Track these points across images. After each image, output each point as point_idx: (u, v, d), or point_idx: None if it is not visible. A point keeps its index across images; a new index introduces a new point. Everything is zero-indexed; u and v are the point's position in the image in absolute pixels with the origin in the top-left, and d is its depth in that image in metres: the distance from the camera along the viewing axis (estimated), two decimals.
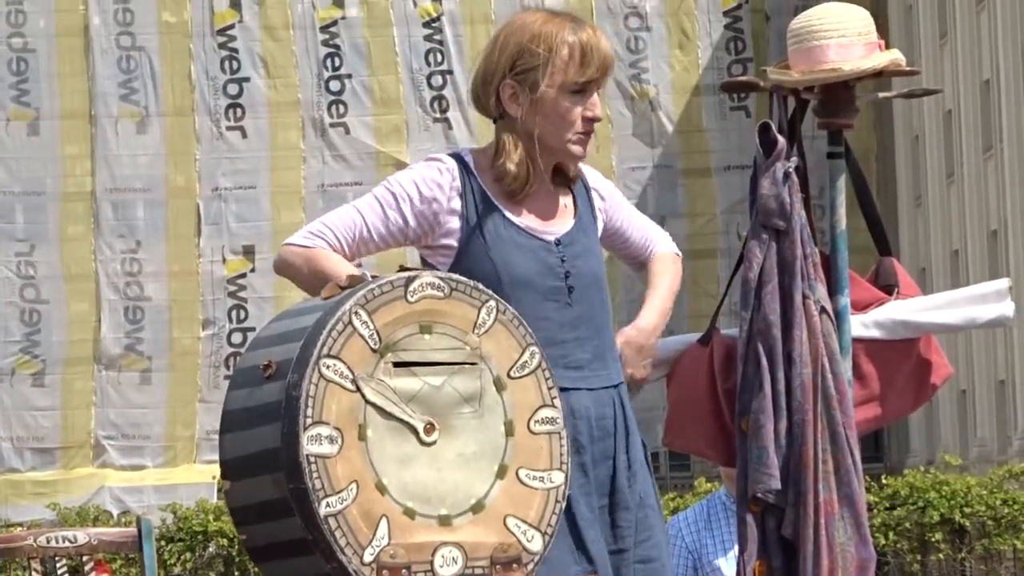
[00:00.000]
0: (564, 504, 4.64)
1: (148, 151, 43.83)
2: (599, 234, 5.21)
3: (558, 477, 4.56)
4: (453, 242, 5.01)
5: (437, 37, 44.19)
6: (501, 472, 4.54)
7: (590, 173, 5.26)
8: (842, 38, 5.64)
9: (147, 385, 42.91)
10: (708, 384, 5.58)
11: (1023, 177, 43.60)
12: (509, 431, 4.56)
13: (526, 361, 4.55)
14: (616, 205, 5.28)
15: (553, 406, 4.58)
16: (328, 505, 4.32)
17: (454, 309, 4.51)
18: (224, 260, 43.69)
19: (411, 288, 4.44)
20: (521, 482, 4.55)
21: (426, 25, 44.16)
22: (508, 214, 5.02)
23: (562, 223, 5.03)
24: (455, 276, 4.64)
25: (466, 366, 4.54)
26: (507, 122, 4.97)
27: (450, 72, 43.80)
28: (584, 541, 4.84)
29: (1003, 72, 43.80)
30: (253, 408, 4.54)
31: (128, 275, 43.32)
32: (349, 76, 44.13)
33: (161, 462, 41.18)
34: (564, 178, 5.07)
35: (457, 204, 4.98)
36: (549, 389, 4.58)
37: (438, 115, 43.99)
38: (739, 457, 5.45)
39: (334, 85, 44.18)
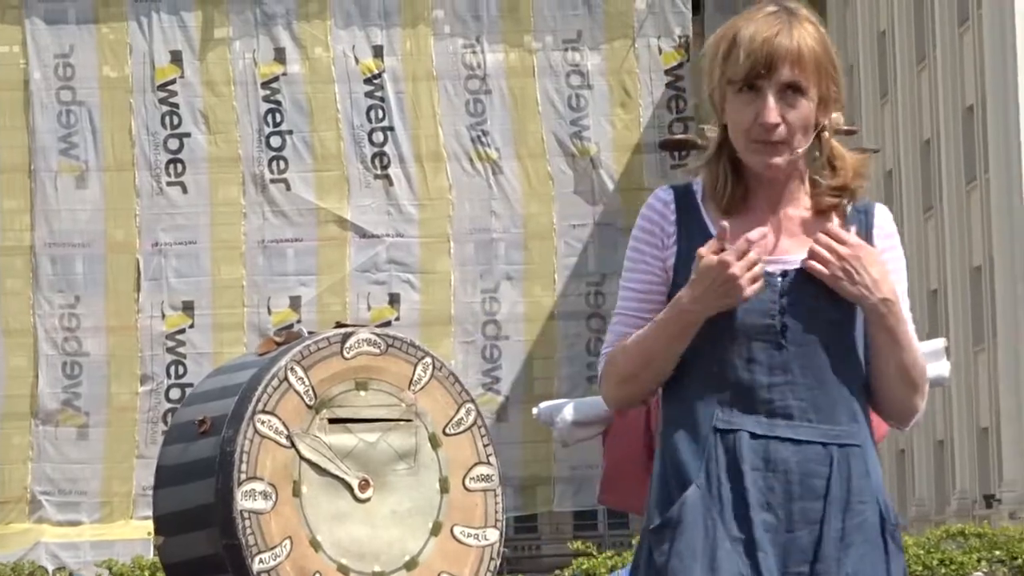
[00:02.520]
0: (499, 561, 5.30)
1: (87, 206, 42.70)
2: None
3: (492, 534, 5.11)
4: (670, 276, 4.62)
5: (378, 94, 43.25)
6: (436, 529, 5.09)
7: (882, 214, 4.69)
8: None
9: (84, 440, 41.71)
10: (644, 443, 5.51)
11: (961, 233, 43.75)
12: (444, 488, 5.18)
13: (462, 418, 5.17)
14: (891, 256, 4.55)
15: (489, 463, 5.10)
16: (261, 561, 4.40)
17: (390, 366, 5.14)
18: (163, 316, 42.40)
19: (347, 344, 5.10)
20: (456, 539, 5.18)
21: (367, 82, 43.25)
22: (714, 232, 4.57)
23: (798, 253, 4.47)
24: (392, 333, 4.36)
25: (401, 423, 5.16)
26: (720, 121, 4.63)
27: (391, 128, 42.82)
28: None
29: (943, 131, 43.77)
30: (187, 464, 5.10)
31: (66, 330, 42.06)
32: (290, 132, 43.14)
33: (97, 518, 40.05)
34: (831, 195, 4.51)
35: (672, 238, 4.57)
36: (485, 446, 5.06)
37: (379, 171, 42.77)
38: (652, 495, 5.15)
39: (275, 141, 43.07)
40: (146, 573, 26.71)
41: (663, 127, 41.64)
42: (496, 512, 5.54)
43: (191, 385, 36.23)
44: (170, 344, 42.05)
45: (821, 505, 4.37)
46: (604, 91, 43.33)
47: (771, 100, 4.32)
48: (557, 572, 29.27)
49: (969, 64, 44.19)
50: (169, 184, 42.57)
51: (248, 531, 5.10)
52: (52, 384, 41.77)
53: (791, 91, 4.34)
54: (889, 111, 48.57)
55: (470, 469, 5.50)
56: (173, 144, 42.69)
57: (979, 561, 28.88)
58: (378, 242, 43.30)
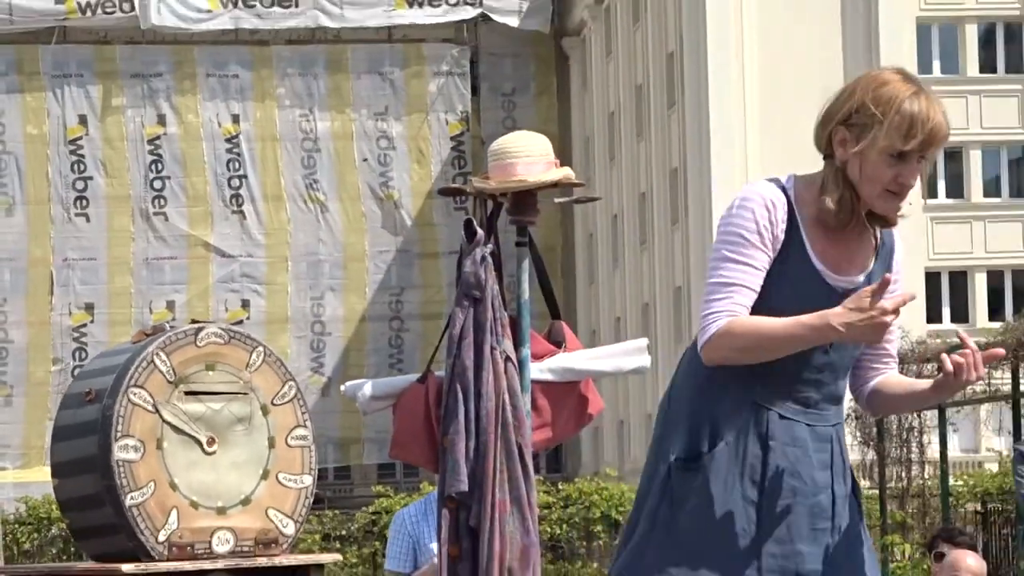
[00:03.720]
0: (312, 499, 4.76)
1: (14, 230, 45.61)
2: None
3: (308, 480, 4.65)
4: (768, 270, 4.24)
5: (236, 150, 46.73)
6: (265, 475, 4.57)
7: (900, 246, 4.58)
8: (528, 157, 5.79)
9: (8, 407, 44.98)
10: (424, 411, 5.42)
11: (668, 262, 45.34)
12: (271, 445, 4.62)
13: (285, 392, 4.62)
14: (897, 281, 4.39)
15: (305, 427, 4.72)
16: (132, 498, 4.36)
17: (232, 352, 4.58)
18: (71, 313, 45.73)
19: (199, 336, 4.53)
20: (280, 483, 4.62)
21: (227, 141, 46.62)
22: (811, 253, 4.29)
23: (858, 275, 4.32)
24: (234, 328, 4.73)
25: (240, 395, 4.61)
26: (832, 162, 4.29)
27: (245, 176, 46.62)
28: (778, 540, 4.24)
29: (656, 186, 46.01)
30: (77, 424, 4.53)
31: None
32: (168, 177, 46.57)
33: (19, 465, 42.74)
34: (881, 221, 4.36)
35: (780, 241, 4.23)
36: (303, 414, 4.69)
37: (235, 208, 46.50)
38: (440, 466, 5.40)
39: (157, 184, 46.54)
40: (54, 506, 24.37)
41: (448, 179, 44.40)
42: (311, 463, 4.92)
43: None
44: (75, 335, 45.42)
45: (829, 474, 4.36)
46: (404, 152, 47.01)
47: (915, 170, 4.22)
48: (364, 508, 29.84)
49: (676, 136, 45.20)
50: (76, 215, 46.10)
51: (122, 475, 4.45)
52: None
53: (922, 160, 4.21)
54: (616, 170, 48.31)
55: (291, 431, 4.83)
56: (80, 185, 46.22)
57: None
58: (233, 261, 46.68)
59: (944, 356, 4.15)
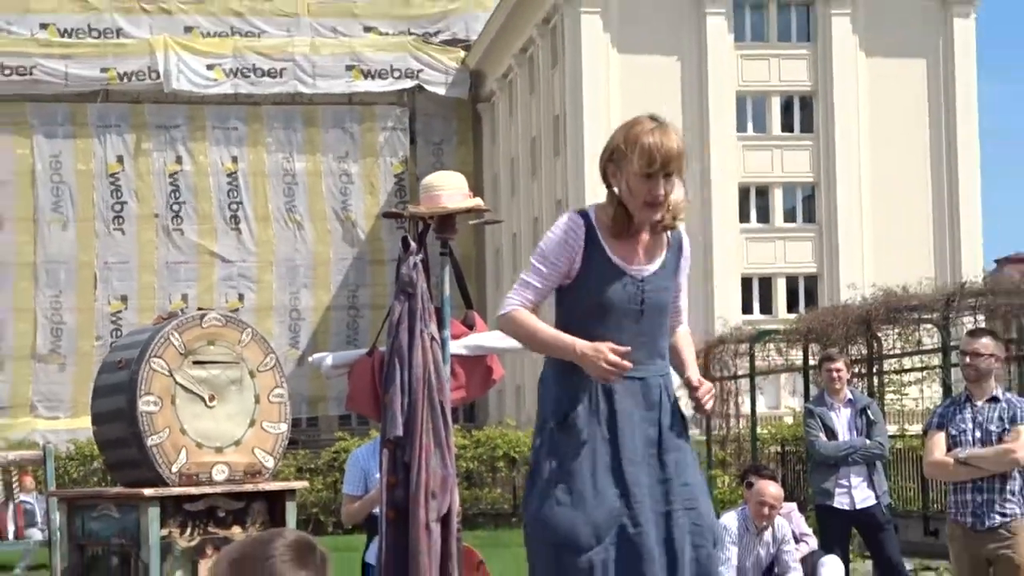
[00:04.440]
0: (287, 442, 4.60)
1: (68, 241, 45.37)
2: (673, 278, 4.50)
3: (283, 427, 4.49)
4: (576, 273, 4.34)
5: (234, 183, 46.51)
6: (251, 424, 4.44)
7: (687, 245, 4.61)
8: (449, 190, 5.67)
9: (62, 372, 44.67)
10: (371, 377, 5.27)
11: None
12: (257, 401, 4.49)
13: (267, 362, 4.44)
14: (684, 274, 4.58)
15: (282, 387, 4.57)
16: (152, 440, 4.22)
17: (228, 332, 4.47)
18: (109, 303, 45.35)
19: (204, 320, 4.45)
20: (263, 429, 4.49)
21: (228, 176, 46.47)
22: (609, 253, 4.38)
23: (650, 265, 4.41)
24: (230, 315, 4.62)
25: (233, 364, 4.44)
26: (610, 185, 4.36)
27: (240, 202, 46.35)
28: (625, 474, 4.27)
29: (545, 214, 44.75)
30: (112, 385, 4.40)
31: (55, 310, 45.13)
32: (184, 202, 46.23)
33: (70, 415, 42.08)
34: (661, 227, 4.42)
35: (581, 252, 4.34)
36: (280, 378, 4.51)
37: (234, 226, 46.31)
38: (382, 416, 5.23)
39: (175, 207, 46.36)
40: (95, 446, 21.39)
41: (391, 205, 43.87)
42: (286, 414, 5.00)
43: None
44: (112, 319, 45.11)
45: (657, 412, 4.42)
46: (360, 185, 46.97)
47: (662, 185, 4.31)
48: (327, 448, 29.24)
49: (559, 176, 43.86)
50: (114, 230, 45.86)
51: (144, 423, 4.50)
52: (44, 340, 45.09)
53: (667, 177, 4.32)
54: (516, 201, 47.26)
55: (272, 390, 4.92)
56: (117, 207, 45.93)
57: None
58: (232, 265, 46.41)
59: (690, 383, 4.50)
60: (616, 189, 4.43)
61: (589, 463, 4.37)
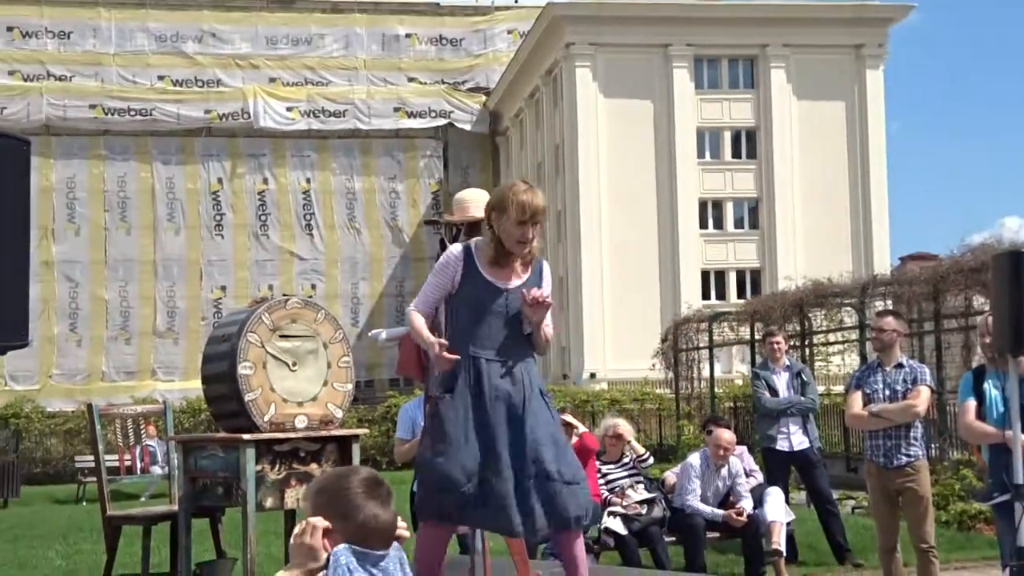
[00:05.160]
0: (352, 396, 4.41)
1: (179, 244, 44.79)
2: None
3: (349, 386, 4.31)
4: (458, 287, 4.42)
5: (308, 199, 46.43)
6: (325, 383, 4.28)
7: (547, 269, 4.64)
8: (476, 203, 5.39)
9: (176, 345, 44.59)
10: (417, 348, 4.91)
11: (553, 270, 43.71)
12: (329, 366, 4.31)
13: (336, 336, 4.28)
14: (547, 289, 4.52)
15: (348, 356, 4.31)
16: (248, 396, 4.08)
17: (307, 312, 4.29)
18: (212, 292, 45.38)
19: (287, 303, 4.29)
20: (334, 388, 4.32)
21: (303, 194, 46.38)
22: (485, 274, 4.46)
23: (515, 282, 4.44)
24: (308, 300, 4.45)
25: (310, 337, 4.27)
26: (492, 229, 4.42)
27: (313, 214, 46.12)
28: (488, 433, 4.29)
29: (549, 224, 42.44)
30: (217, 353, 4.25)
31: (169, 297, 44.77)
32: (269, 214, 46.13)
33: (182, 378, 42.07)
34: (525, 261, 4.47)
35: (460, 272, 4.43)
36: (346, 348, 4.27)
37: (308, 232, 46.12)
38: (426, 378, 5.01)
39: (262, 217, 46.12)
40: (202, 402, 22.39)
41: (429, 216, 43.80)
42: (351, 377, 4.74)
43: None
44: (215, 305, 44.89)
45: (521, 387, 4.38)
46: (404, 200, 46.84)
47: (530, 230, 4.41)
48: (382, 404, 28.82)
49: (560, 193, 42.74)
50: (215, 235, 45.80)
51: (243, 383, 4.32)
52: (162, 321, 45.06)
53: (534, 224, 4.40)
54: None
55: (340, 358, 4.64)
56: (217, 218, 45.88)
57: None
58: (306, 262, 46.24)
59: (523, 292, 4.39)
60: (496, 230, 4.49)
61: (463, 424, 4.36)
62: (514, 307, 4.50)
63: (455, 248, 4.60)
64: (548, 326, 4.58)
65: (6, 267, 3.00)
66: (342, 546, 2.44)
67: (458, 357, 4.37)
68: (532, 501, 4.33)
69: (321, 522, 2.44)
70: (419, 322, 4.48)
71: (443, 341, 4.36)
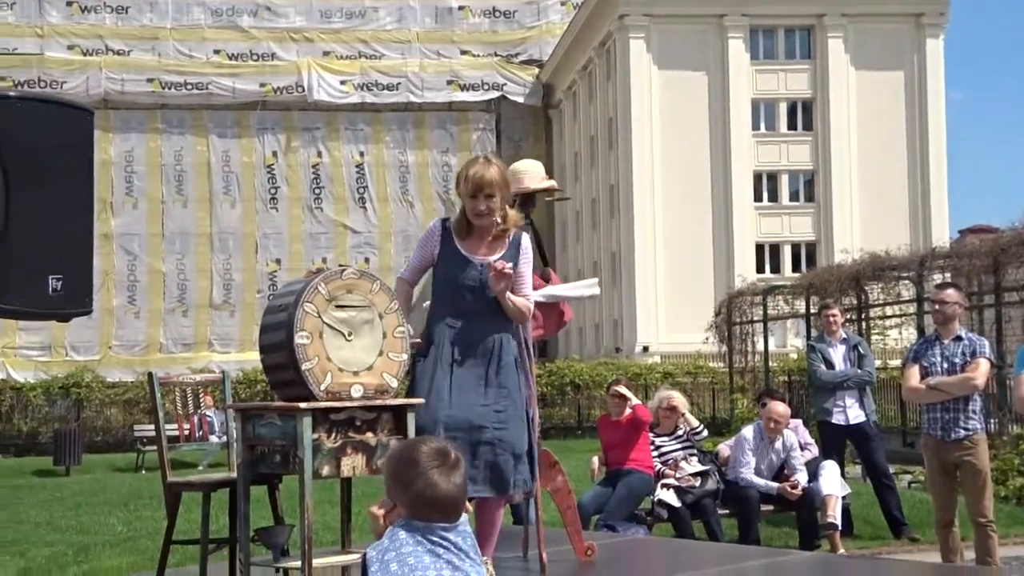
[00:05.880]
0: (408, 366, 4.37)
1: (235, 216, 45.18)
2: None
3: (404, 356, 4.32)
4: (437, 259, 4.58)
5: (361, 172, 46.65)
6: (380, 354, 4.30)
7: (525, 239, 4.71)
8: (530, 174, 5.52)
9: (232, 317, 45.07)
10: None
11: (604, 241, 43.65)
12: (384, 336, 4.32)
13: (391, 306, 4.30)
14: (524, 262, 4.63)
15: (403, 326, 4.33)
16: (305, 366, 4.10)
17: (362, 283, 4.30)
18: (267, 264, 45.54)
19: (344, 274, 4.29)
20: (389, 358, 4.32)
21: (356, 167, 46.60)
22: (459, 247, 4.58)
23: (491, 256, 4.54)
24: (364, 270, 4.44)
25: (366, 308, 4.29)
26: (461, 204, 4.53)
27: (366, 187, 46.45)
28: (456, 395, 4.44)
29: (601, 195, 44.92)
30: (275, 323, 4.28)
31: (226, 270, 45.18)
32: (323, 187, 46.30)
33: (238, 349, 42.80)
34: (497, 235, 4.57)
35: (439, 245, 4.57)
36: (402, 318, 4.30)
37: (361, 205, 46.31)
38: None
39: (316, 191, 46.32)
40: (258, 373, 26.52)
41: None
42: (406, 347, 4.46)
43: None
44: (270, 277, 45.28)
45: (490, 356, 4.54)
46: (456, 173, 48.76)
47: (481, 202, 4.49)
48: None
49: (612, 165, 42.68)
50: (270, 208, 46.11)
51: (299, 352, 4.19)
52: (218, 293, 45.45)
53: (486, 196, 4.46)
54: (579, 185, 46.53)
55: (395, 328, 4.37)
56: (272, 191, 46.16)
57: None
58: (360, 235, 46.61)
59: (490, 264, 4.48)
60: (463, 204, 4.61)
61: (434, 385, 4.51)
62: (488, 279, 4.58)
63: (435, 222, 4.75)
64: (528, 298, 4.66)
65: (72, 235, 3.08)
66: (399, 522, 2.48)
67: (418, 341, 4.57)
68: (479, 466, 4.49)
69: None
70: (400, 289, 4.65)
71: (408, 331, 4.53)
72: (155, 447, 18.66)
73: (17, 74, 41.97)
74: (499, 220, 4.61)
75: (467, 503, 2.59)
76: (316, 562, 4.12)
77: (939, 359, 7.06)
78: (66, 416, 27.02)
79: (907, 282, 19.26)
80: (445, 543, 2.44)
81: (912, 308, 19.03)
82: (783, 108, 42.89)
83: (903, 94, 42.22)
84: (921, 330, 16.95)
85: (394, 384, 4.39)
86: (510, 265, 4.51)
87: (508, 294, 4.57)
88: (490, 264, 4.50)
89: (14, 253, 2.99)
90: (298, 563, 4.17)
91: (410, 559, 2.39)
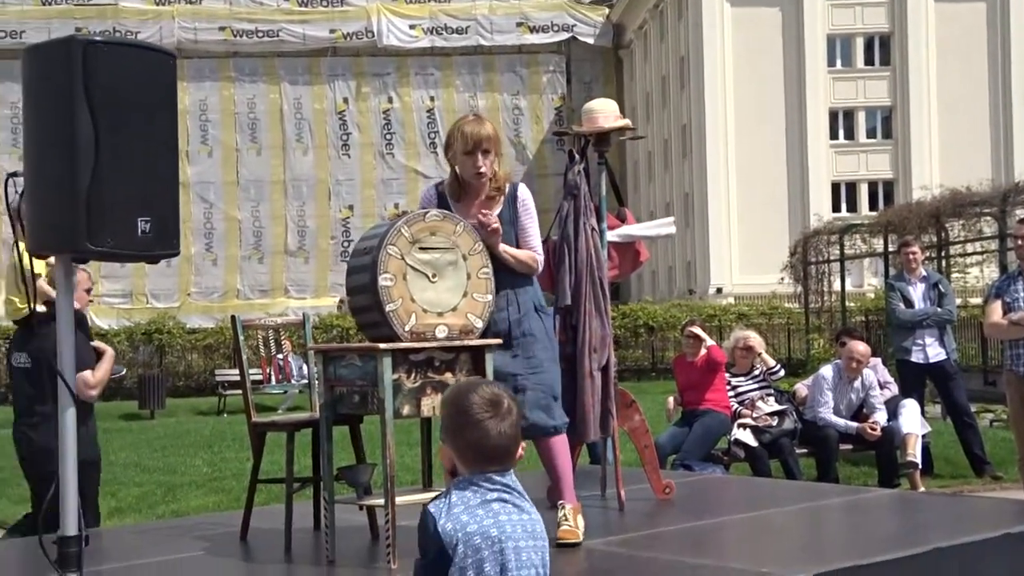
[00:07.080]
0: (492, 308, 4.35)
1: (307, 163, 45.23)
2: (511, 224, 4.56)
3: (488, 297, 4.31)
4: None
5: (432, 117, 46.69)
6: (465, 295, 4.30)
7: (523, 191, 4.66)
8: (604, 113, 5.44)
9: (306, 264, 45.29)
10: (546, 259, 4.83)
11: (677, 180, 43.71)
12: (468, 277, 4.30)
13: (475, 247, 4.27)
14: (524, 213, 4.60)
15: (487, 266, 4.32)
16: (389, 307, 4.13)
17: (445, 224, 4.26)
18: (340, 211, 45.65)
19: (427, 216, 4.27)
20: (473, 299, 4.32)
21: (427, 112, 46.67)
22: (454, 209, 4.52)
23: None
24: (447, 212, 4.39)
25: (450, 249, 4.27)
26: (452, 163, 4.52)
27: (437, 132, 46.00)
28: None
29: (673, 136, 44.46)
30: (360, 266, 4.29)
31: (300, 216, 45.41)
32: (394, 133, 46.66)
33: (313, 295, 43.15)
34: (494, 191, 4.55)
35: (435, 202, 4.53)
36: (487, 259, 4.28)
37: (432, 150, 45.98)
38: (555, 289, 5.09)
39: (387, 136, 46.58)
40: (333, 317, 27.39)
41: (551, 132, 42.88)
42: (490, 288, 4.38)
43: (354, 240, 38.37)
44: (343, 224, 45.75)
45: (506, 311, 4.52)
46: (528, 116, 46.95)
47: (480, 159, 4.45)
48: None
49: (684, 106, 42.84)
50: (342, 155, 46.25)
51: (384, 294, 4.17)
52: (293, 240, 45.70)
53: (484, 153, 4.43)
54: (651, 124, 46.32)
55: (480, 269, 4.35)
56: (344, 138, 46.29)
57: None
58: (432, 180, 46.11)
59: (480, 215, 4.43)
60: (453, 165, 4.56)
61: None
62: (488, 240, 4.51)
63: (427, 187, 4.73)
64: (535, 250, 4.60)
65: (159, 178, 3.10)
66: (457, 480, 2.52)
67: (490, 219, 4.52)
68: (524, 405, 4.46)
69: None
70: None
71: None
72: (236, 391, 19.71)
73: (93, 25, 42.33)
74: (491, 177, 4.57)
75: (521, 449, 2.57)
76: (399, 500, 4.17)
77: (1022, 294, 6.93)
78: (149, 361, 27.41)
79: (989, 218, 18.92)
80: (507, 490, 2.50)
81: (994, 245, 18.73)
82: (860, 43, 42.24)
83: (985, 26, 41.38)
84: (1004, 267, 16.80)
85: (479, 325, 4.38)
86: (494, 215, 4.47)
87: (503, 246, 4.51)
88: (476, 216, 4.46)
89: (105, 195, 3.02)
90: (381, 500, 4.23)
91: (479, 510, 2.45)
